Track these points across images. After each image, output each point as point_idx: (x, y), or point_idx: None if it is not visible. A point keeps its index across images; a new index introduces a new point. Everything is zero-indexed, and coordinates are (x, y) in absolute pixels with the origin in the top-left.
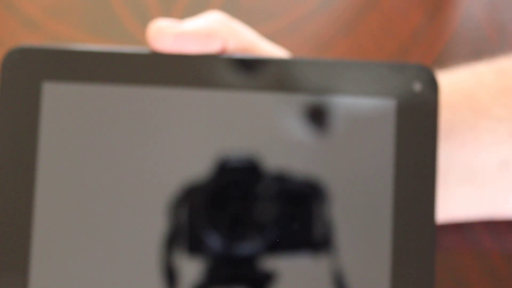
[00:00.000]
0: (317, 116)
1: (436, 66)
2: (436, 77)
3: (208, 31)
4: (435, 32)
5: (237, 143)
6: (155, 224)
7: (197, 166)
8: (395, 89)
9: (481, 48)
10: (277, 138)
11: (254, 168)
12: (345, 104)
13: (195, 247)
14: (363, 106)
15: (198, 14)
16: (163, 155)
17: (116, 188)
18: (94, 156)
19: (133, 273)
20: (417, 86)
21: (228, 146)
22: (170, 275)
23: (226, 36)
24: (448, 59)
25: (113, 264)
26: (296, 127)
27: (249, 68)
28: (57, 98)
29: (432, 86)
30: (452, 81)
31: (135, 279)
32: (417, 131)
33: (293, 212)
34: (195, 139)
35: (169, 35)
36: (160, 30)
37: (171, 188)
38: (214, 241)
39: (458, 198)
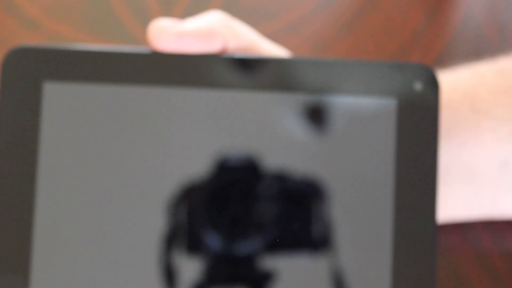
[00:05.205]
0: (318, 116)
1: (436, 65)
2: (436, 77)
3: (208, 31)
4: (435, 32)
5: (237, 143)
6: (155, 223)
7: (196, 166)
8: (396, 88)
9: (481, 48)
10: (277, 138)
11: (254, 168)
12: (346, 103)
13: (194, 246)
14: (364, 106)
15: (198, 14)
16: (163, 155)
17: (117, 187)
18: (94, 156)
19: (133, 272)
20: (418, 86)
21: (228, 146)
22: (169, 274)
23: (226, 36)
24: (448, 59)
25: (113, 264)
26: (296, 127)
27: (249, 68)
28: (58, 98)
29: (433, 86)
30: (452, 81)
31: (135, 278)
32: (417, 131)
33: (293, 212)
34: (195, 139)
35: (169, 34)
36: (160, 30)
37: (171, 187)
38: (213, 241)
39: (459, 198)
